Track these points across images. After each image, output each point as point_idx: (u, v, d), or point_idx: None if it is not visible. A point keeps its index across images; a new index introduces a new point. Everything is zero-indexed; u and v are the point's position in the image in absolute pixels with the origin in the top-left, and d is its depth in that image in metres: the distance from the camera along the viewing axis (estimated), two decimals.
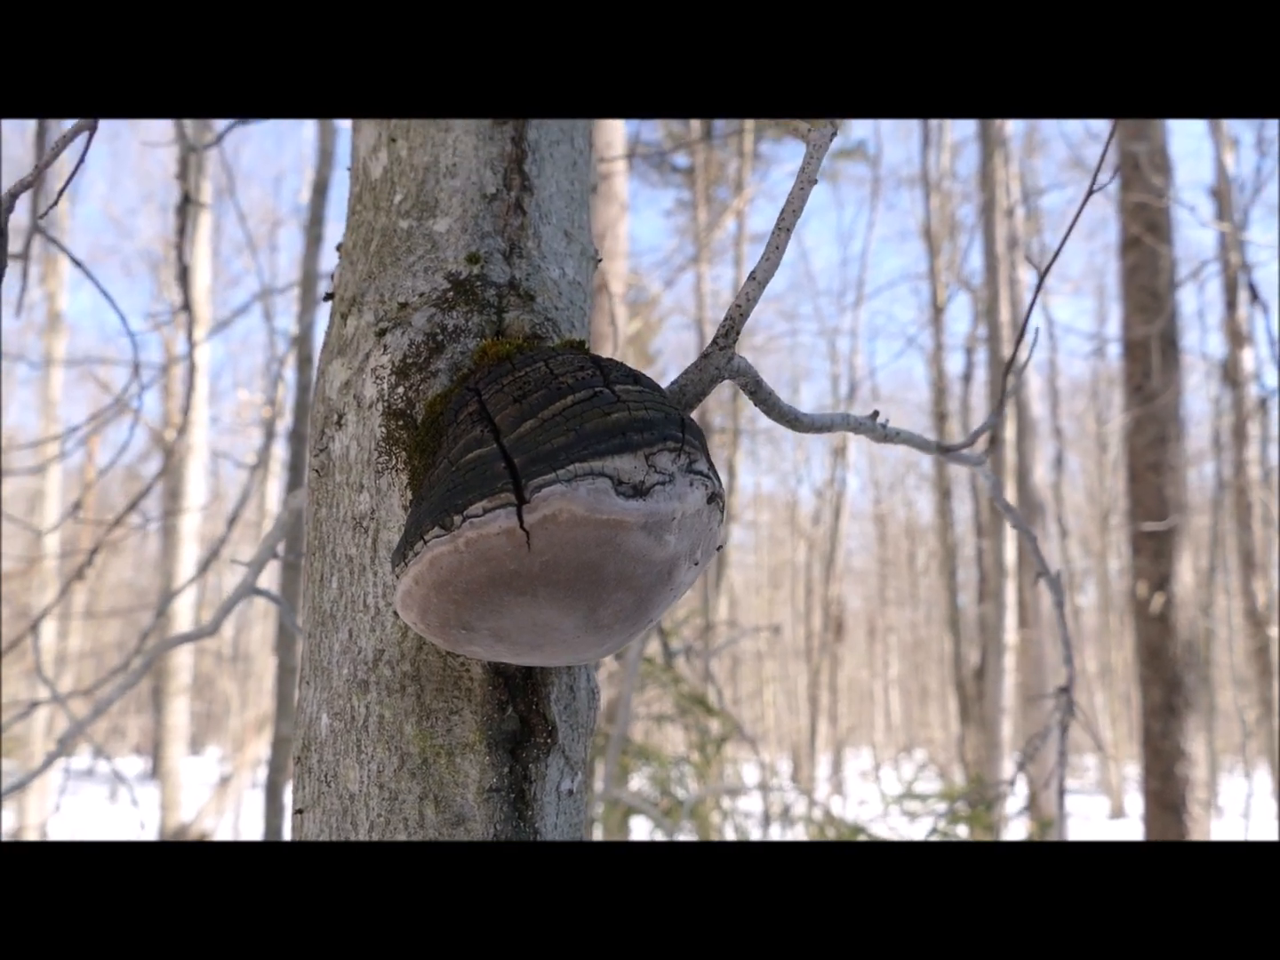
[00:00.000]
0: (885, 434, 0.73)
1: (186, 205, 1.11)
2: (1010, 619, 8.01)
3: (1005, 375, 0.82)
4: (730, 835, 3.81)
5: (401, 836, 0.50)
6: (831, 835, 3.58)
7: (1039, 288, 0.81)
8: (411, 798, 0.51)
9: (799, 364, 16.37)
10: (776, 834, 3.91)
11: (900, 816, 3.54)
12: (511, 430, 0.46)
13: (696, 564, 0.51)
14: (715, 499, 0.50)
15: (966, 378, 10.64)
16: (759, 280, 0.55)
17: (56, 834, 11.05)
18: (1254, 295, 4.31)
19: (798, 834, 3.81)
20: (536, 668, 0.54)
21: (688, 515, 0.48)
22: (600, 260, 0.68)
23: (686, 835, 3.83)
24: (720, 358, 0.55)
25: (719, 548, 0.53)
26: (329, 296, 0.61)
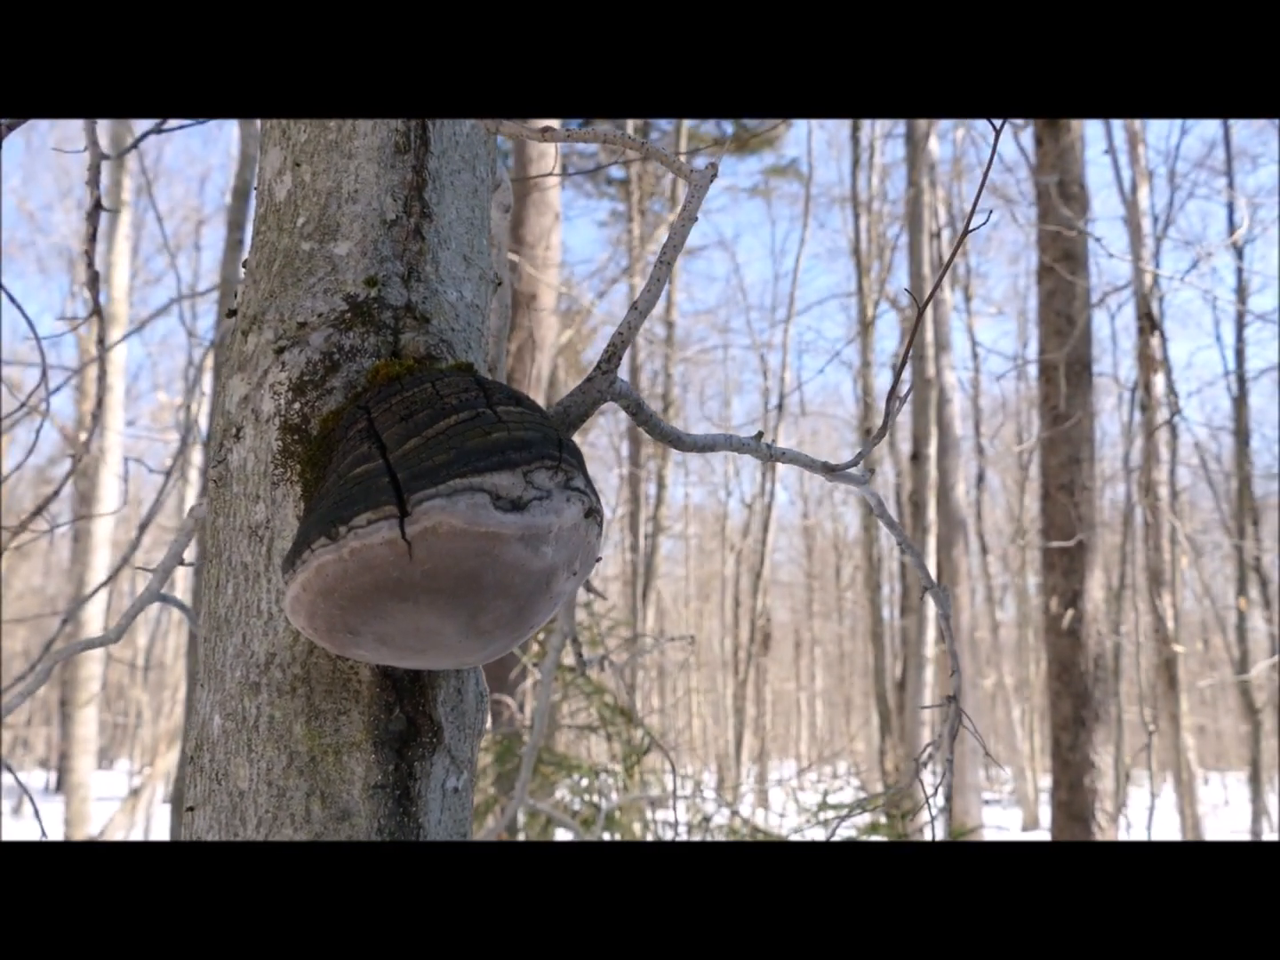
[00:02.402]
0: (770, 454, 0.78)
1: (97, 211, 1.11)
2: (931, 632, 8.21)
3: (890, 399, 0.88)
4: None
5: (288, 831, 0.53)
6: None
7: (954, 253, 0.86)
8: (299, 794, 0.53)
9: (731, 378, 16.57)
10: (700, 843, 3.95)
11: (816, 826, 3.61)
12: (397, 447, 0.49)
13: (575, 574, 0.55)
14: (592, 514, 0.53)
15: (894, 393, 10.89)
16: (640, 310, 0.59)
17: None
18: (1153, 325, 4.52)
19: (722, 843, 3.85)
20: (424, 671, 0.57)
21: (564, 529, 0.52)
22: (500, 283, 0.71)
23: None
24: (603, 381, 0.58)
25: (598, 559, 0.56)
26: (232, 313, 0.63)
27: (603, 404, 0.58)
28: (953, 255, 0.77)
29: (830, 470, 0.89)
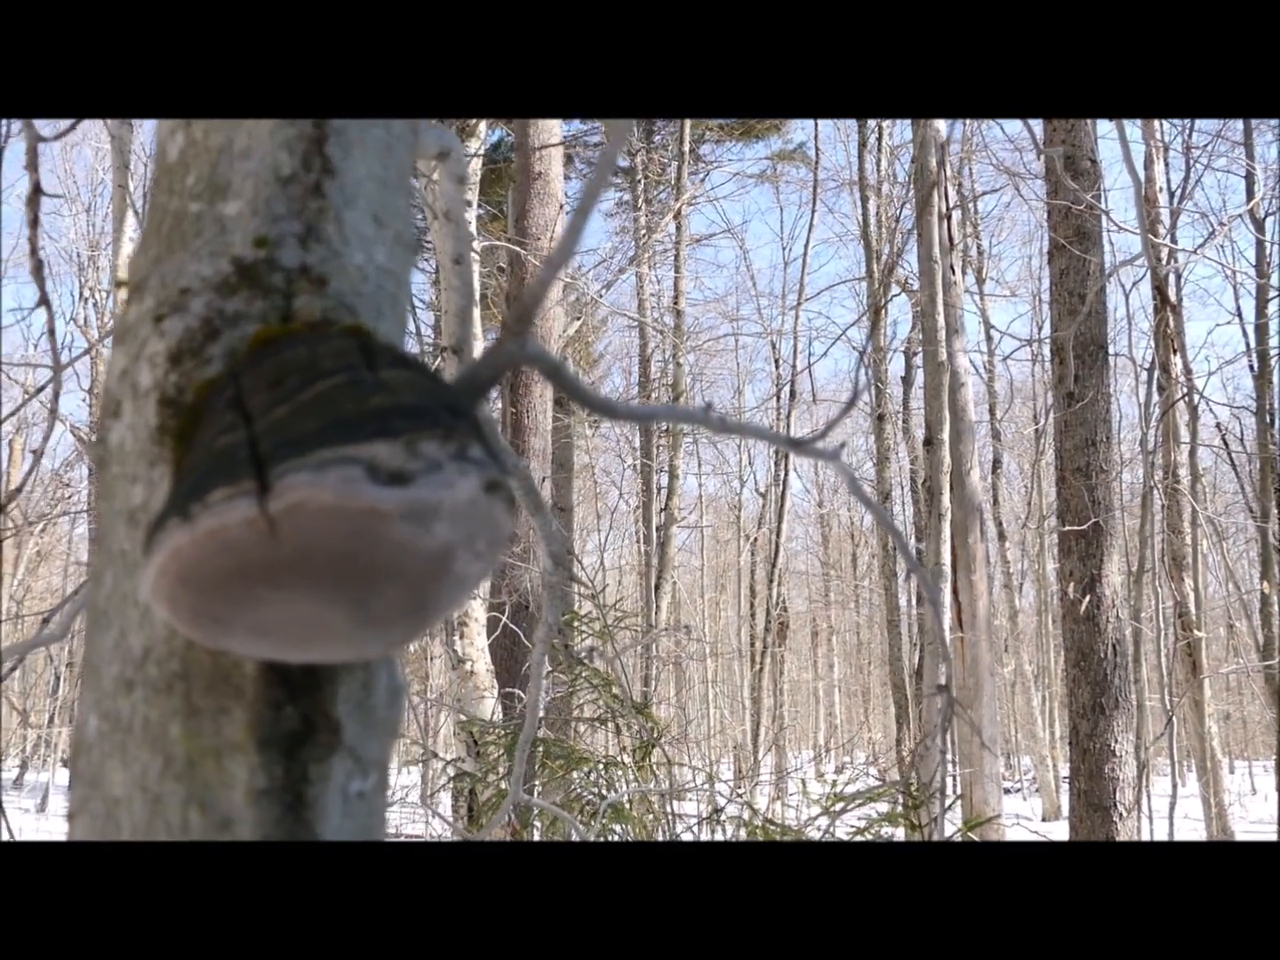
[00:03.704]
0: (724, 425, 0.72)
1: (37, 195, 1.07)
2: (947, 621, 8.12)
3: (858, 367, 0.82)
4: (660, 839, 3.80)
5: (163, 840, 0.48)
6: (760, 838, 3.59)
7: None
8: (175, 800, 0.48)
9: (742, 366, 16.48)
10: (710, 837, 3.91)
11: (828, 816, 3.56)
12: (264, 415, 0.44)
13: (480, 555, 0.50)
14: (495, 487, 0.48)
15: (905, 379, 10.78)
16: (553, 263, 0.53)
17: None
18: (1166, 301, 4.43)
19: (732, 836, 3.81)
20: (323, 665, 0.52)
21: (459, 504, 0.46)
22: (459, 261, 0.67)
23: (616, 837, 3.82)
24: (513, 343, 0.53)
25: (508, 537, 0.51)
26: (122, 284, 0.58)
27: (514, 366, 0.53)
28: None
29: (796, 444, 0.84)
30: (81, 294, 14.58)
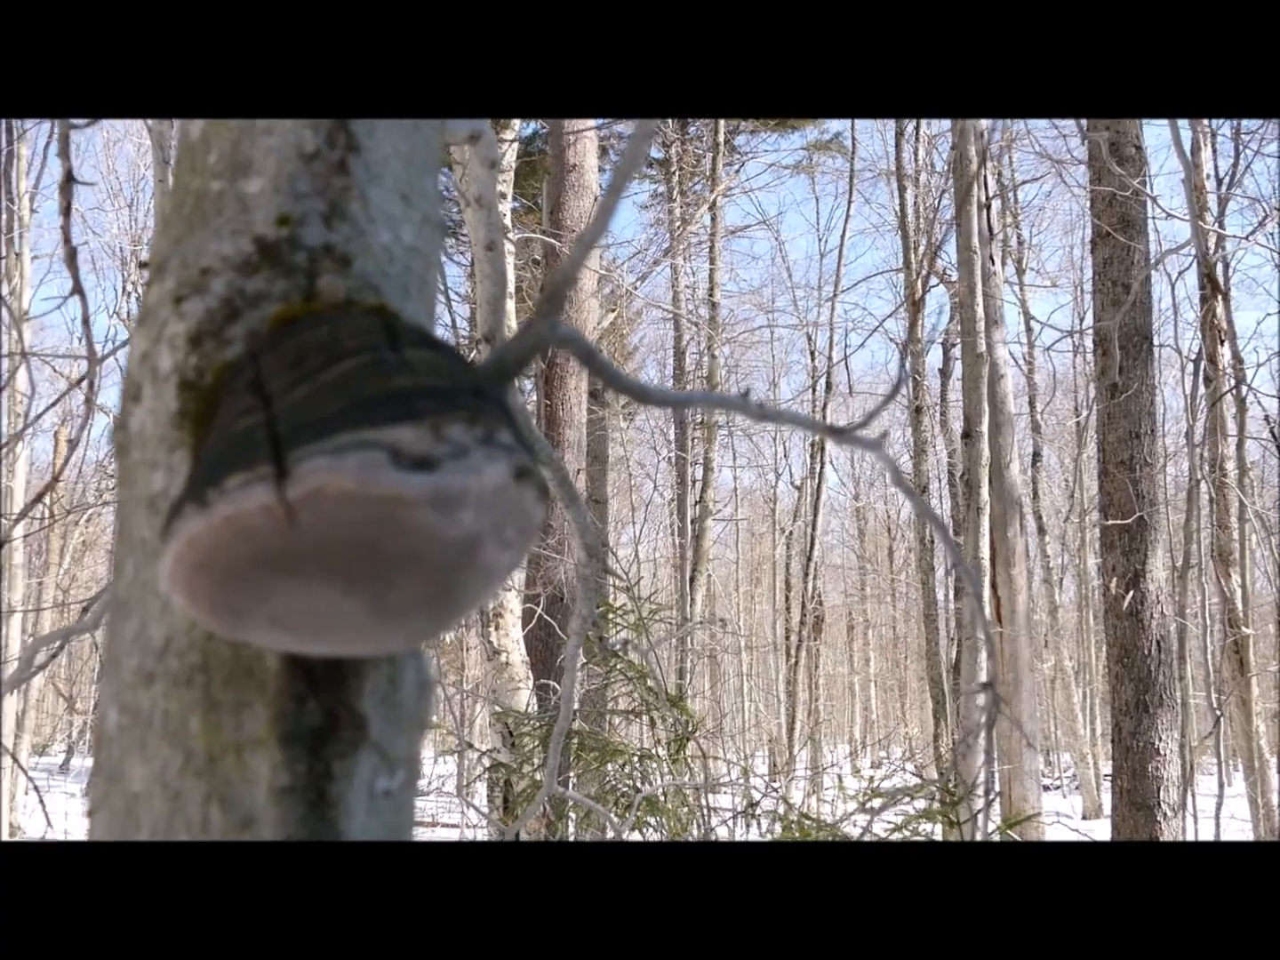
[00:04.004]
0: (763, 413, 0.70)
1: (70, 184, 1.06)
2: (986, 615, 8.01)
3: (902, 354, 0.79)
4: (695, 833, 3.78)
5: (184, 839, 0.46)
6: (797, 834, 3.56)
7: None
8: (196, 797, 0.47)
9: (778, 358, 16.36)
10: (743, 831, 3.89)
11: (865, 813, 3.52)
12: (284, 397, 0.42)
13: (508, 545, 0.48)
14: (525, 474, 0.46)
15: (943, 371, 10.64)
16: (585, 243, 0.51)
17: (32, 830, 10.95)
18: (1216, 289, 4.31)
19: (766, 831, 3.79)
20: (348, 658, 0.51)
21: (487, 491, 0.44)
22: (491, 247, 0.64)
23: (651, 830, 3.80)
24: (543, 325, 0.51)
25: (540, 527, 0.49)
26: (144, 265, 0.57)
27: (543, 349, 0.51)
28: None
29: (837, 433, 0.81)
30: (124, 288, 14.81)
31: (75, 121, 1.04)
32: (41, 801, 1.33)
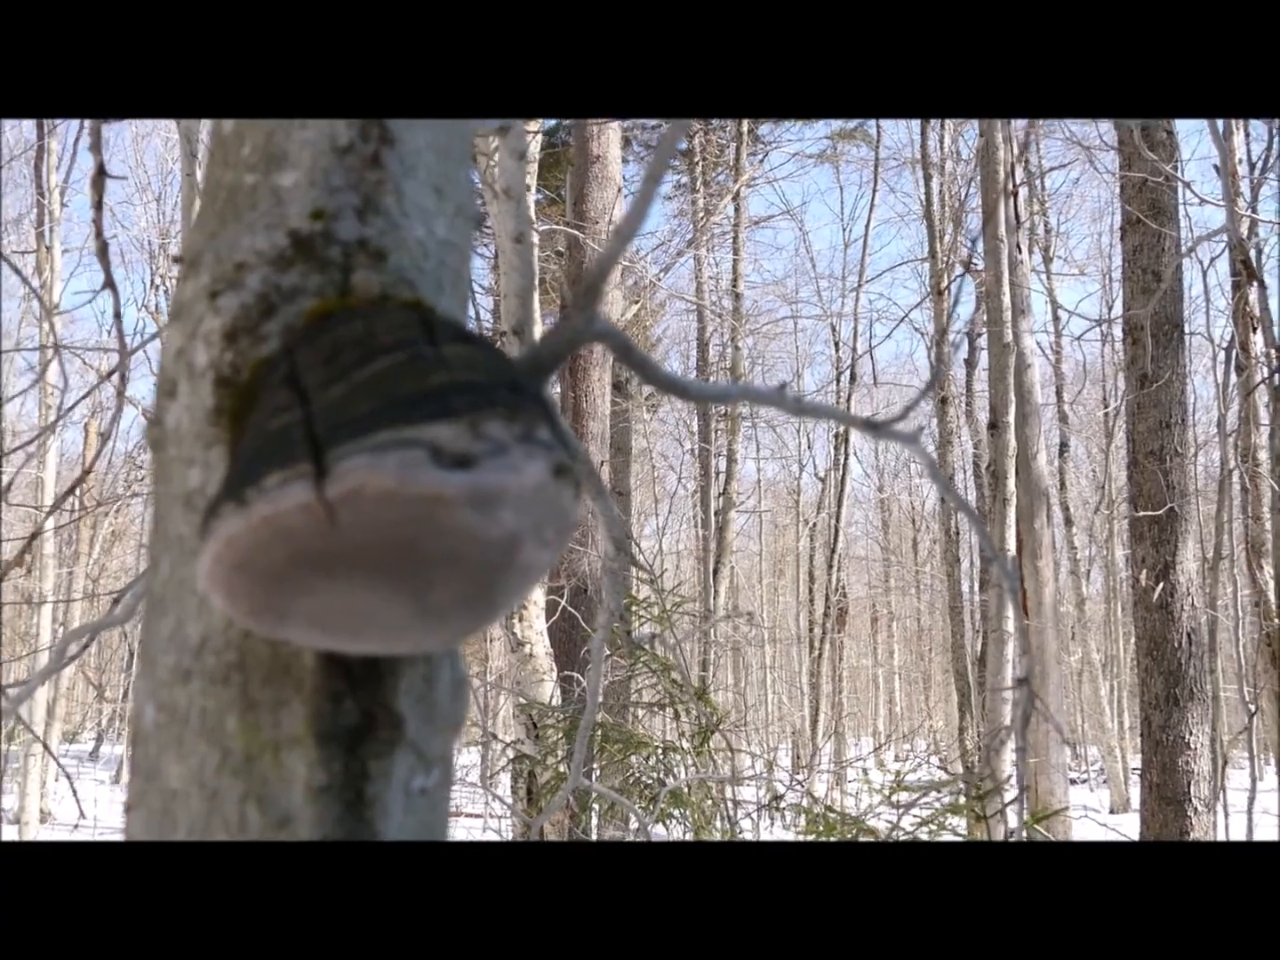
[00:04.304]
0: (799, 407, 0.69)
1: (101, 177, 1.07)
2: (1011, 607, 7.94)
3: (936, 351, 0.77)
4: (719, 825, 3.78)
5: (221, 838, 0.46)
6: (821, 827, 3.55)
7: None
8: (233, 796, 0.47)
9: (802, 349, 16.27)
10: (768, 824, 3.88)
11: (890, 807, 3.50)
12: (320, 394, 0.42)
13: (547, 544, 0.47)
14: (563, 471, 0.45)
15: (969, 361, 10.54)
16: (622, 235, 0.50)
17: (61, 815, 11.13)
18: (1251, 275, 4.24)
19: (791, 824, 3.78)
20: (384, 656, 0.50)
21: (526, 489, 0.43)
22: (482, 221, 0.63)
23: (675, 823, 3.80)
24: (580, 319, 0.50)
25: (574, 525, 0.48)
26: (177, 259, 0.56)
27: (581, 343, 0.50)
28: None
29: (874, 427, 0.80)
30: (153, 281, 14.95)
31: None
32: (74, 790, 1.34)
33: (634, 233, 0.50)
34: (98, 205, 1.10)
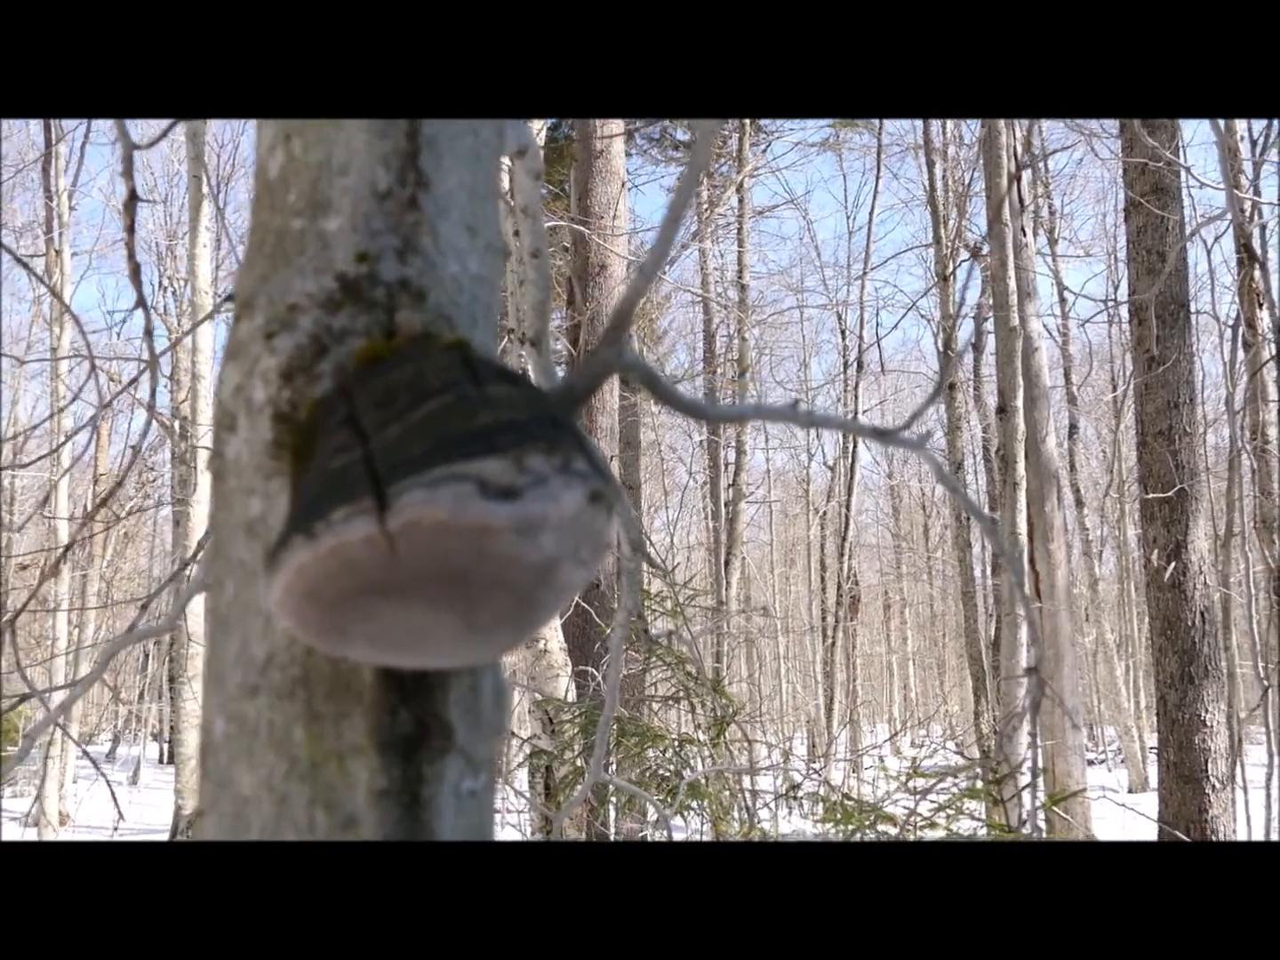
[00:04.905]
0: (811, 420, 0.72)
1: (133, 201, 1.11)
2: (1026, 597, 7.95)
3: (945, 353, 0.81)
4: (737, 815, 3.83)
5: (290, 839, 0.50)
6: (839, 815, 3.59)
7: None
8: (301, 801, 0.51)
9: (808, 339, 16.27)
10: (786, 814, 3.93)
11: (907, 793, 3.54)
12: (378, 434, 0.46)
13: (583, 564, 0.51)
14: (598, 498, 0.49)
15: (975, 346, 10.53)
16: (646, 274, 0.54)
17: (79, 818, 11.25)
18: (1253, 256, 4.25)
19: (809, 812, 3.82)
20: (433, 670, 0.54)
21: (565, 517, 0.47)
22: (509, 254, 0.67)
23: (693, 814, 3.85)
24: (610, 353, 0.54)
25: (608, 546, 0.52)
26: (230, 298, 0.60)
27: (610, 374, 0.54)
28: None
29: (882, 435, 0.83)
30: (160, 283, 15.04)
31: (137, 142, 1.08)
32: (113, 795, 1.39)
33: (658, 271, 0.53)
34: (130, 229, 1.14)
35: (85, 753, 1.42)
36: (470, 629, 0.49)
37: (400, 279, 0.57)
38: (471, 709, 0.56)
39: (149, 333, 1.27)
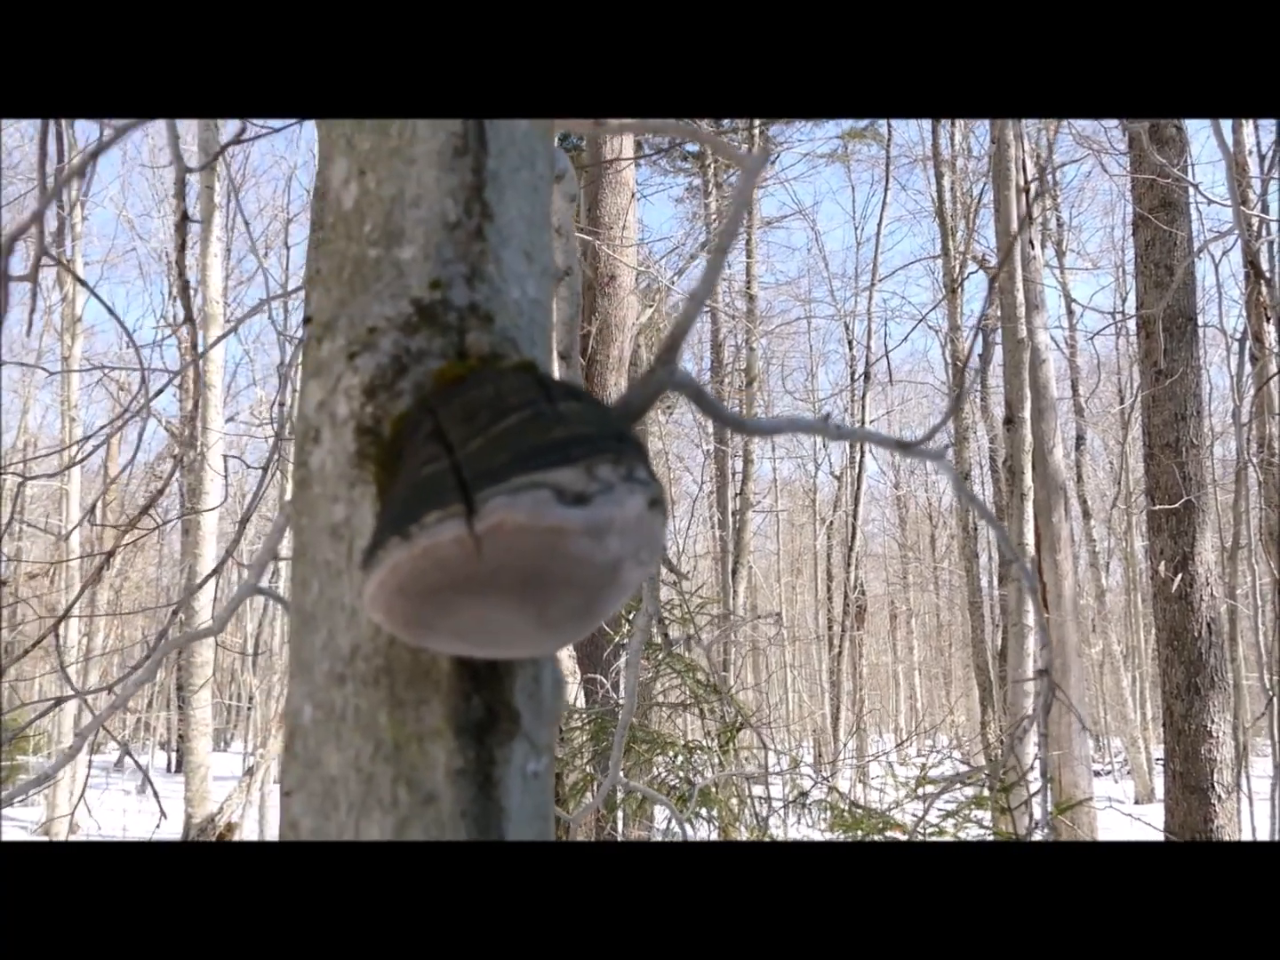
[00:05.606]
0: (840, 433, 0.77)
1: (185, 222, 1.16)
2: (1031, 601, 7.98)
3: (962, 369, 0.86)
4: (747, 820, 3.86)
5: (377, 815, 0.55)
6: (848, 821, 3.63)
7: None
8: (386, 779, 0.56)
9: (816, 349, 16.33)
10: (794, 820, 3.96)
11: (914, 801, 3.58)
12: (462, 447, 0.51)
13: (642, 564, 0.56)
14: (656, 504, 0.54)
15: (983, 357, 10.59)
16: (697, 299, 0.59)
17: (87, 826, 11.27)
18: (1259, 273, 4.29)
19: (818, 820, 3.86)
20: (500, 660, 0.59)
21: (629, 520, 0.53)
22: (562, 276, 0.73)
23: (702, 821, 3.89)
24: (663, 372, 0.59)
25: (663, 548, 0.57)
26: (309, 320, 0.66)
27: (664, 392, 0.59)
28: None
29: (905, 447, 0.88)
30: (171, 291, 15.15)
31: (190, 165, 1.14)
32: (155, 794, 1.43)
33: (708, 296, 0.58)
34: (181, 248, 1.19)
35: (128, 753, 1.46)
36: (541, 623, 0.54)
37: (470, 304, 0.62)
38: (534, 696, 0.61)
39: (194, 346, 1.32)
